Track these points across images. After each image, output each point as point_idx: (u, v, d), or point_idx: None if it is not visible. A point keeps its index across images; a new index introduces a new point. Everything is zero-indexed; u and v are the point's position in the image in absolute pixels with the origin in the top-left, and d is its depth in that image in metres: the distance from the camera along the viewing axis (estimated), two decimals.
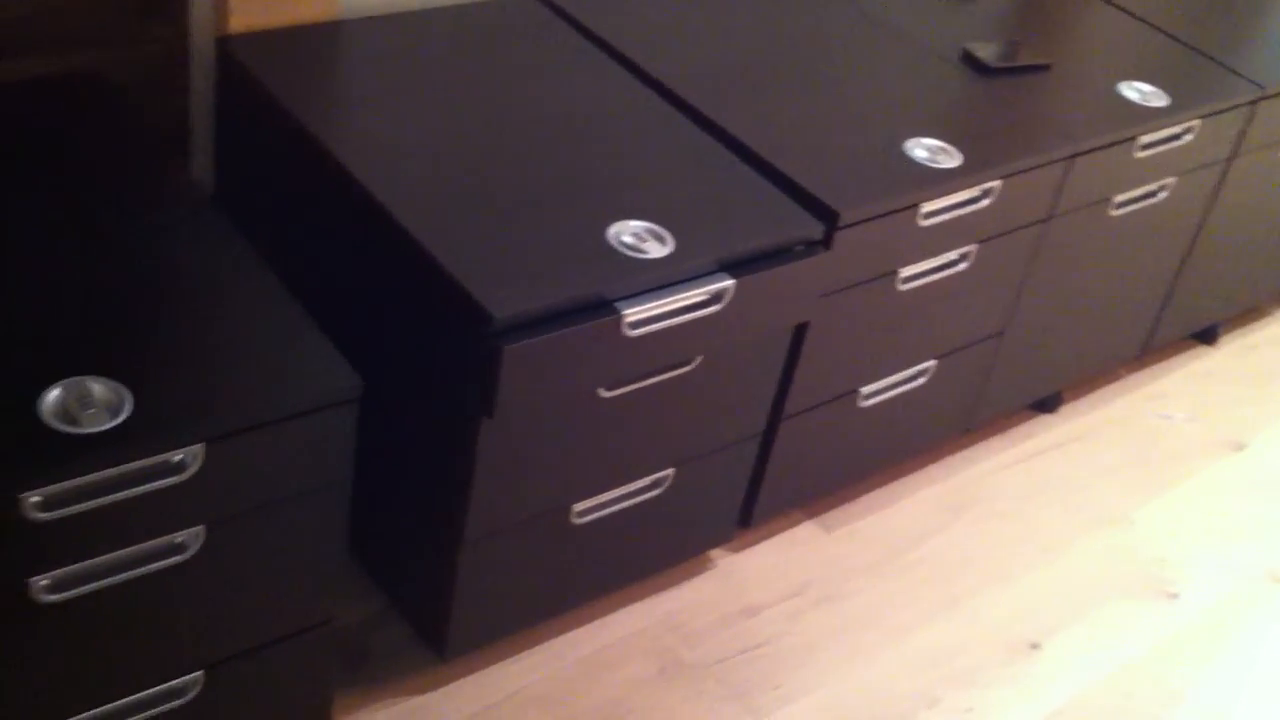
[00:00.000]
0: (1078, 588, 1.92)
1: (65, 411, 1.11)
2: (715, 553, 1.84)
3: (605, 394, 1.46)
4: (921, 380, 1.87)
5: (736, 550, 1.86)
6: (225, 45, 1.61)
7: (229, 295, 1.27)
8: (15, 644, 1.13)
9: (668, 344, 1.46)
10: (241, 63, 1.59)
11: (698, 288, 1.45)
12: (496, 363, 1.32)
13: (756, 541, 1.88)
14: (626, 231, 1.46)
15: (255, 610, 1.29)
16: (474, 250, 1.38)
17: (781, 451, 1.76)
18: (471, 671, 1.60)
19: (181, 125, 1.65)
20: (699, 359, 1.52)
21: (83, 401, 1.11)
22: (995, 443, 2.14)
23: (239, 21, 1.61)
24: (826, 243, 1.57)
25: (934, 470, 2.06)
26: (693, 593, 1.78)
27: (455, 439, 1.41)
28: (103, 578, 1.15)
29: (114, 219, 1.32)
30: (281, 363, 1.22)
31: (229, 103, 1.65)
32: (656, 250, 1.45)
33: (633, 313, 1.40)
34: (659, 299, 1.42)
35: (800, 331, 1.65)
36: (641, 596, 1.75)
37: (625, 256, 1.43)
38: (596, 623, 1.70)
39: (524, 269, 1.37)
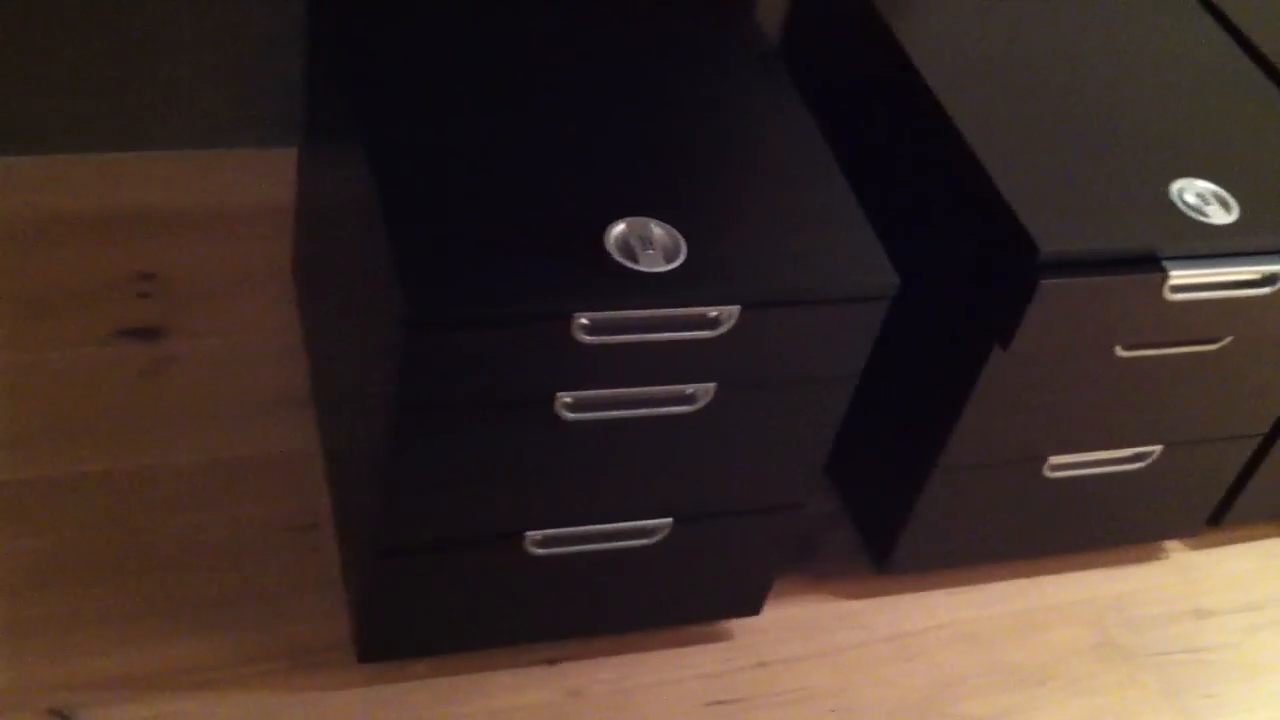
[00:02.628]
0: None
1: (627, 247, 1.15)
2: (1173, 544, 1.75)
3: (1123, 353, 1.39)
4: None
5: (1197, 548, 1.75)
6: None
7: (785, 163, 1.29)
8: (530, 446, 1.21)
9: (1204, 317, 1.38)
10: None
11: (1253, 265, 1.35)
12: (1030, 296, 1.28)
13: (1221, 544, 1.76)
14: (1191, 190, 1.37)
15: (739, 477, 1.32)
16: (1031, 177, 1.34)
17: (1277, 459, 1.64)
18: (907, 591, 1.60)
19: None
20: (1228, 339, 1.43)
21: (644, 241, 1.16)
22: None
23: None
24: None
25: None
26: (1143, 579, 1.70)
27: (959, 362, 1.38)
28: (616, 409, 1.20)
29: (681, 64, 1.36)
30: (826, 245, 1.22)
31: None
32: (1219, 216, 1.36)
33: (1180, 276, 1.32)
34: (1211, 267, 1.34)
35: None
36: (1089, 567, 1.69)
37: (1185, 216, 1.35)
38: (1041, 579, 1.65)
39: (1079, 206, 1.32)
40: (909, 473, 1.49)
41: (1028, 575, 1.65)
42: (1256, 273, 1.36)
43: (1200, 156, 1.42)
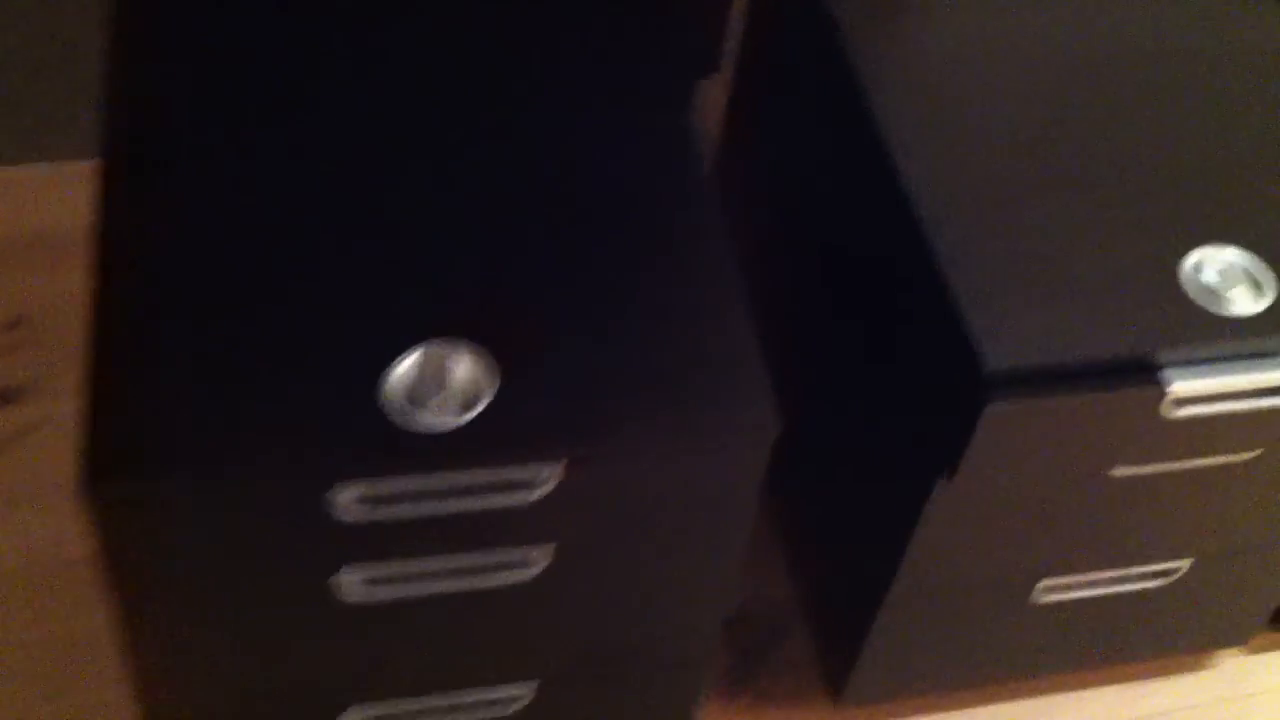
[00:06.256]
0: None
1: (416, 389, 0.89)
2: (1224, 652, 1.44)
3: (1122, 472, 1.09)
4: None
5: (1254, 652, 1.44)
6: None
7: (663, 277, 0.99)
8: (316, 626, 0.97)
9: (1223, 430, 1.06)
10: None
11: None
12: (974, 422, 0.99)
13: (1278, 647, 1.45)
14: (1213, 265, 1.05)
15: (610, 639, 1.07)
16: (992, 260, 1.03)
17: None
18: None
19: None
20: (1259, 450, 1.11)
21: (436, 383, 0.90)
22: None
23: None
24: None
25: None
26: (1183, 693, 1.40)
27: (901, 493, 1.09)
28: (411, 583, 0.95)
29: (576, 142, 1.07)
30: (691, 381, 0.94)
31: None
32: (1244, 302, 1.03)
33: (1184, 388, 1.01)
34: (1226, 373, 1.02)
35: None
36: (1111, 682, 1.39)
37: (1195, 305, 1.03)
38: (1050, 700, 1.36)
39: (1048, 298, 1.01)
40: (861, 602, 1.21)
41: (1032, 694, 1.37)
42: None
43: (1234, 216, 1.09)
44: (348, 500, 0.87)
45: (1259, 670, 1.42)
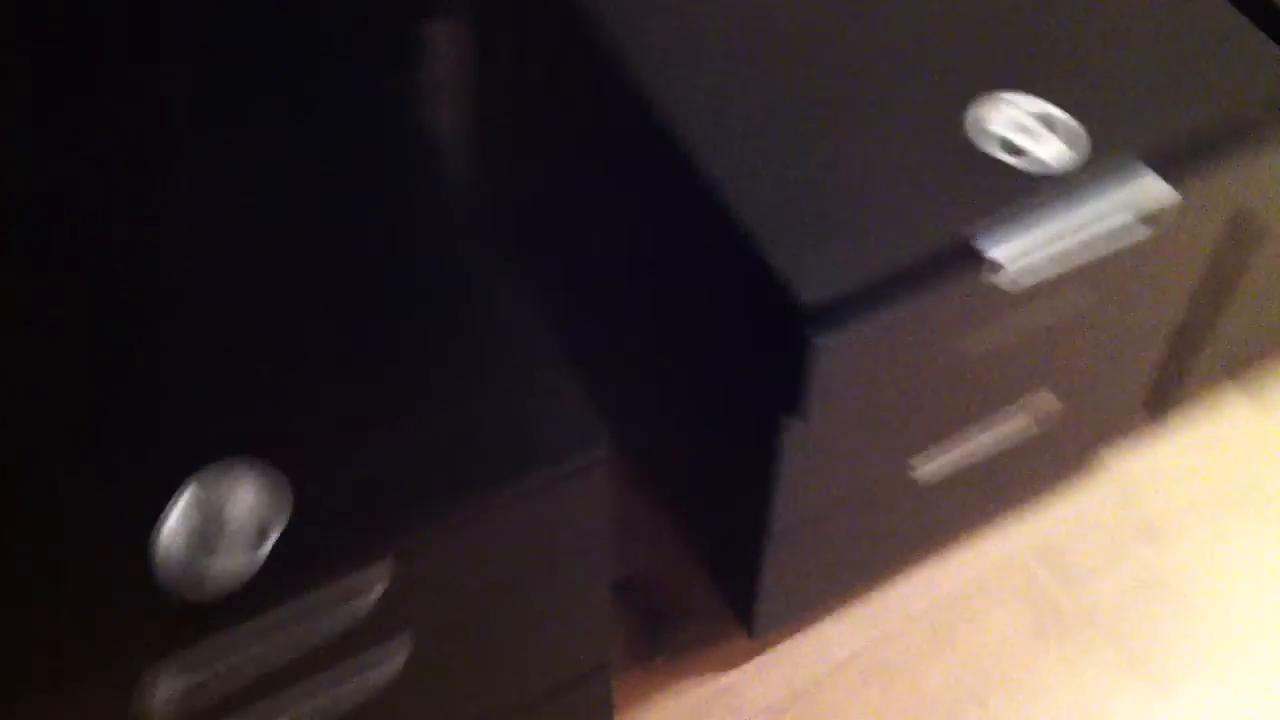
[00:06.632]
0: None
1: (207, 523, 0.78)
2: (1111, 455, 1.41)
3: (968, 348, 1.03)
4: None
5: (1139, 448, 1.42)
6: None
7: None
8: None
9: (1072, 286, 1.00)
10: None
11: (1114, 208, 0.96)
12: (803, 359, 0.91)
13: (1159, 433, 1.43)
14: (999, 117, 0.97)
15: (504, 684, 0.99)
16: (781, 191, 0.93)
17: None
18: (786, 639, 1.28)
19: None
20: (1097, 296, 1.06)
21: (216, 520, 0.79)
22: None
23: None
24: None
25: None
26: (1076, 509, 1.37)
27: (756, 441, 1.02)
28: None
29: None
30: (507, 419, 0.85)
31: None
32: (1050, 147, 0.96)
33: (1005, 254, 0.94)
34: (1044, 226, 0.95)
35: None
36: (1008, 517, 1.36)
37: (995, 162, 0.95)
38: (952, 556, 1.33)
39: (842, 214, 0.93)
40: (745, 541, 1.15)
41: (934, 560, 1.33)
42: (1125, 216, 0.97)
43: (1011, 54, 1.01)
44: (166, 696, 0.76)
45: (1143, 462, 1.40)
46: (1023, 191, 0.94)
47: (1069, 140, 0.96)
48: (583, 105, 1.10)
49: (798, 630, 1.28)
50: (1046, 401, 1.17)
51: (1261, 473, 1.39)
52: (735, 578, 1.20)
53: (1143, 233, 0.97)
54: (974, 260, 0.93)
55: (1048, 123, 0.97)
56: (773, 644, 1.27)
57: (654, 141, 0.97)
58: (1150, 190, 0.96)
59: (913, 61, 1.00)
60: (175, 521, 0.78)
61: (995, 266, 0.93)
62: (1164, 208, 0.96)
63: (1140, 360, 1.25)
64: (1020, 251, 0.94)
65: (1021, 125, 0.96)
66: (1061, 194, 0.94)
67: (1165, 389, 1.33)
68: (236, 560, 0.77)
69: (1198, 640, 1.28)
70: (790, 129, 0.96)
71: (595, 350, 0.95)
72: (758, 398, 0.99)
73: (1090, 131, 0.96)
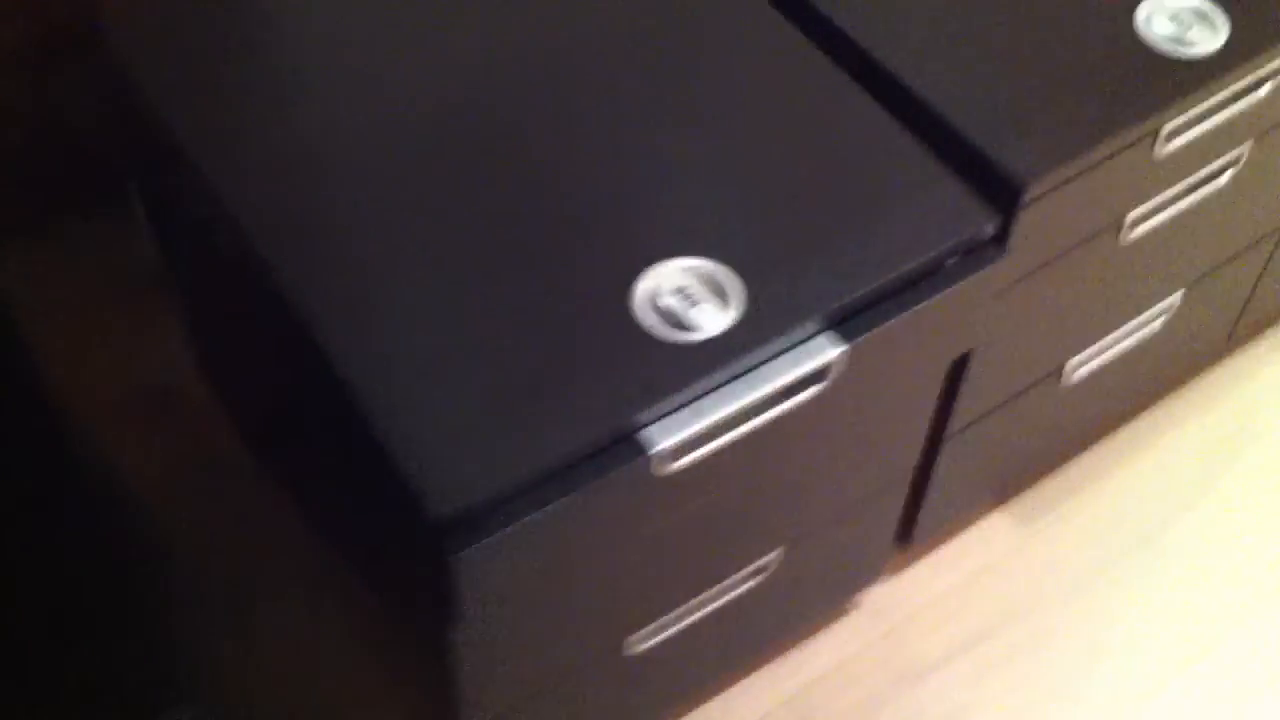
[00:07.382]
0: None
1: None
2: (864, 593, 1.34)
3: (656, 529, 0.95)
4: (1158, 322, 1.29)
5: (895, 572, 1.36)
6: None
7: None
8: None
9: (750, 452, 0.94)
10: None
11: (788, 367, 0.90)
12: (447, 574, 0.83)
13: (918, 557, 1.36)
14: (665, 289, 0.90)
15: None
16: (408, 393, 0.85)
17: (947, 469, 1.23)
18: None
19: None
20: (811, 440, 0.99)
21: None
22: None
23: None
24: (1001, 238, 0.99)
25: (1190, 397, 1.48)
26: (832, 652, 1.30)
27: (426, 647, 0.94)
28: None
29: None
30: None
31: None
32: (712, 317, 0.89)
33: (669, 446, 0.87)
34: (719, 404, 0.88)
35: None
36: (756, 668, 1.29)
37: (658, 340, 0.88)
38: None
39: (486, 406, 0.85)
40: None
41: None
42: (798, 374, 0.91)
43: (673, 218, 0.94)
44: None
45: (900, 595, 1.34)
46: (685, 366, 0.87)
47: (735, 303, 0.89)
48: (237, 292, 1.02)
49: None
50: (778, 558, 1.11)
51: (1025, 594, 1.34)
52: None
53: (815, 388, 0.91)
54: (634, 447, 0.86)
55: (714, 287, 0.90)
56: None
57: (287, 324, 0.89)
58: (817, 345, 0.90)
59: (574, 238, 0.93)
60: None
61: (659, 452, 0.86)
62: (830, 361, 0.90)
63: (879, 499, 1.19)
64: (685, 432, 0.87)
65: (686, 293, 0.90)
66: (726, 361, 0.88)
67: (914, 519, 1.28)
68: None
69: None
70: (441, 320, 0.88)
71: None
72: (416, 610, 0.91)
73: (753, 291, 0.90)
